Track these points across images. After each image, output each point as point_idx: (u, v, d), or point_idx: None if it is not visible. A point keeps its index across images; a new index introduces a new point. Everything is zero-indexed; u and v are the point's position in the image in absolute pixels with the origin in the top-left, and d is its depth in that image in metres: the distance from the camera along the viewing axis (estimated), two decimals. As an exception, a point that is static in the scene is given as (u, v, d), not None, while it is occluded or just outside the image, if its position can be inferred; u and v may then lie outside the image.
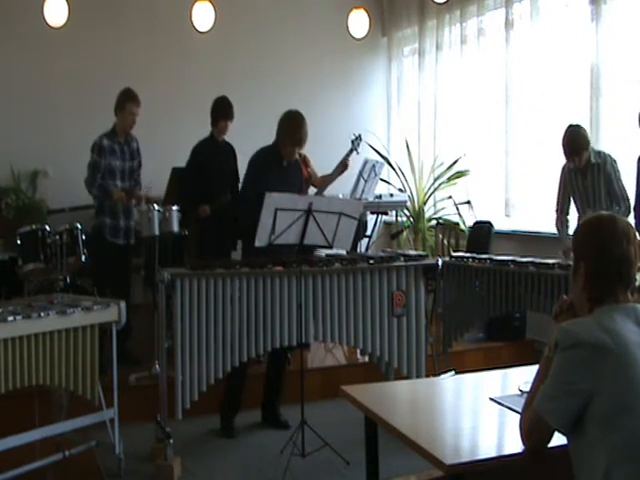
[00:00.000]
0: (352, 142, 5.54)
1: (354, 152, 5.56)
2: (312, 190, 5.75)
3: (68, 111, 6.63)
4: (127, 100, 5.21)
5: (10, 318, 3.25)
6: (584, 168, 4.84)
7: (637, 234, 2.02)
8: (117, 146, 5.26)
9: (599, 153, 4.85)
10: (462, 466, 1.95)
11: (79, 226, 4.88)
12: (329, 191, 5.71)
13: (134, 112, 5.23)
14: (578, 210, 5.02)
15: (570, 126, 4.84)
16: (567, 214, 5.12)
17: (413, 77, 7.79)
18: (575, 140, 4.76)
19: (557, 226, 5.13)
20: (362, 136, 5.70)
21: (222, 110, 5.40)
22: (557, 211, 5.13)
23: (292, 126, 4.42)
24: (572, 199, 5.02)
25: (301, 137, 4.42)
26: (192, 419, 4.23)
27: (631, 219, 4.62)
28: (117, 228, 5.23)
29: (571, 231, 5.09)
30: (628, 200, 4.76)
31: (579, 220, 5.00)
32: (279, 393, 4.62)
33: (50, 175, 6.69)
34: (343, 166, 5.56)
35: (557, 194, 5.10)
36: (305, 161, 5.65)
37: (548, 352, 2.01)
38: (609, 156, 4.85)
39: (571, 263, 1.92)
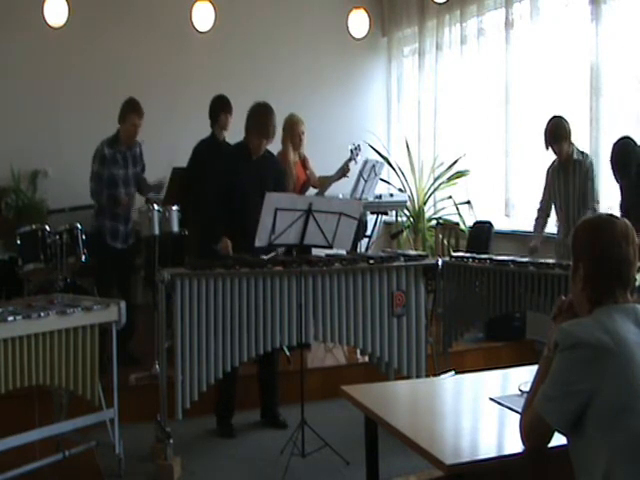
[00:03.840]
0: (351, 151, 5.58)
1: (352, 161, 5.60)
2: (312, 191, 5.75)
3: (68, 111, 6.63)
4: (129, 111, 5.17)
5: (10, 318, 3.25)
6: (566, 163, 4.94)
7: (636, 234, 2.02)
8: (119, 155, 5.20)
9: (582, 152, 4.98)
10: (462, 466, 1.95)
11: (79, 226, 4.90)
12: (329, 191, 5.72)
13: (135, 124, 5.18)
14: (557, 212, 5.10)
15: (553, 117, 4.98)
16: (548, 215, 5.20)
17: (413, 77, 7.79)
18: (555, 128, 4.90)
19: (534, 225, 5.21)
20: (361, 146, 5.73)
21: (221, 104, 5.42)
22: (538, 210, 5.22)
23: (260, 118, 4.45)
24: (553, 200, 5.11)
25: (269, 129, 4.45)
26: (192, 419, 4.22)
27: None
28: (117, 231, 5.22)
29: (548, 230, 5.27)
30: (594, 202, 4.85)
31: (557, 222, 5.13)
32: (275, 393, 4.62)
33: (50, 175, 6.70)
34: (342, 172, 5.59)
35: (542, 195, 5.20)
36: (304, 162, 5.66)
37: (547, 352, 2.01)
38: (590, 157, 5.01)
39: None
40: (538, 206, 5.22)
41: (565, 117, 4.98)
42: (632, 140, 4.69)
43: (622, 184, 4.75)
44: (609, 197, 5.12)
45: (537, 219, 5.22)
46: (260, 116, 4.46)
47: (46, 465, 3.58)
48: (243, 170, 4.45)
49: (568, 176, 4.96)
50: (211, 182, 4.55)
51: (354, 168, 5.69)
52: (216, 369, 3.96)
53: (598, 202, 4.88)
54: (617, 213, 4.69)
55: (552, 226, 5.31)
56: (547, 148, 4.96)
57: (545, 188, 5.17)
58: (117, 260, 5.21)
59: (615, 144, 4.72)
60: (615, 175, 4.74)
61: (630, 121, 5.24)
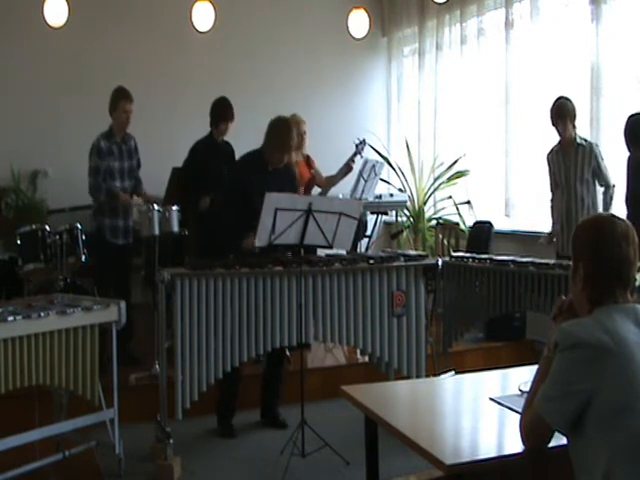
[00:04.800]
0: (356, 146, 5.58)
1: (358, 156, 5.60)
2: (316, 190, 5.76)
3: (68, 111, 6.62)
4: (120, 98, 5.21)
5: (10, 318, 3.25)
6: (567, 147, 4.98)
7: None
8: (115, 146, 5.25)
9: (585, 139, 5.03)
10: (462, 466, 1.95)
11: (79, 226, 4.89)
12: (331, 191, 5.72)
13: (127, 109, 5.22)
14: (552, 192, 5.13)
15: (559, 97, 5.05)
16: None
17: (413, 77, 7.79)
18: (561, 106, 4.98)
19: (551, 209, 5.24)
20: (366, 140, 5.73)
21: (222, 112, 5.38)
22: (551, 200, 5.24)
23: (281, 133, 4.41)
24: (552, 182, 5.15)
25: (290, 144, 4.44)
26: (192, 419, 4.22)
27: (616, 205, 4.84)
28: (116, 228, 5.23)
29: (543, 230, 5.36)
30: (610, 183, 4.91)
31: (551, 202, 5.16)
32: (277, 394, 4.62)
33: (50, 175, 6.70)
34: (347, 168, 5.59)
35: (549, 185, 5.23)
36: (309, 162, 5.66)
37: (547, 352, 2.01)
38: (594, 142, 5.07)
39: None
40: (550, 196, 5.23)
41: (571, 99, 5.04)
42: None
43: (632, 157, 4.77)
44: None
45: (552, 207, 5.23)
46: (282, 131, 4.41)
47: (46, 465, 3.58)
48: (260, 181, 4.35)
49: (569, 160, 4.99)
50: (228, 191, 4.52)
51: (355, 168, 5.69)
52: (216, 369, 3.96)
53: (606, 184, 4.91)
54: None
55: (547, 226, 5.32)
56: (553, 124, 5.01)
57: (550, 175, 5.19)
58: (116, 258, 5.21)
59: (630, 118, 4.75)
60: (628, 148, 4.76)
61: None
